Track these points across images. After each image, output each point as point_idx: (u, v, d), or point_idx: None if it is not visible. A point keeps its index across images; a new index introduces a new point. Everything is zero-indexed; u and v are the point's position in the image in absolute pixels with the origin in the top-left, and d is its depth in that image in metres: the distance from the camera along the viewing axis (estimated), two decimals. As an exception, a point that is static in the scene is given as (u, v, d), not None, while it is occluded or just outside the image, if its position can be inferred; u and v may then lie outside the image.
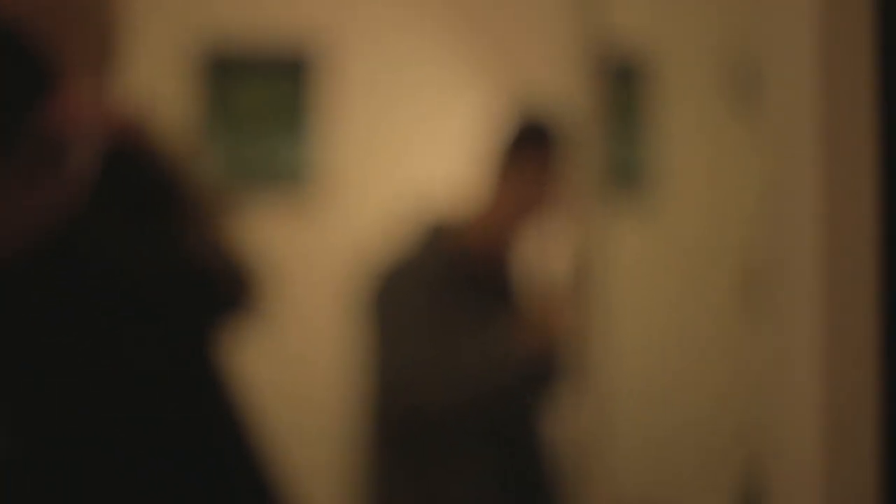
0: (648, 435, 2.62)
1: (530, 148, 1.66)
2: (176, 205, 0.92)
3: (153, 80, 2.69)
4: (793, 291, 0.49)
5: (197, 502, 0.79)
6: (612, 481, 2.07)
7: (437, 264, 1.58)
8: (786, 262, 0.50)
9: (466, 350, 1.53)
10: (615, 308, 2.19)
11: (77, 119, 0.55)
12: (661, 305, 2.67)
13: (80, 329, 0.70)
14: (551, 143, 1.64)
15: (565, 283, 1.63)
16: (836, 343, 0.47)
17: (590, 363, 1.80)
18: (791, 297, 0.50)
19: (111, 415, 0.69)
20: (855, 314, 0.47)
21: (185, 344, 0.88)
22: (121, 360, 0.72)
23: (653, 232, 2.68)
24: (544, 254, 1.72)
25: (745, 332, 2.55)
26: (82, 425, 0.69)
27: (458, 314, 1.56)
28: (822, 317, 0.47)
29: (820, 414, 0.48)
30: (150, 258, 0.86)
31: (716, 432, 2.60)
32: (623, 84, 2.67)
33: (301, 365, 2.65)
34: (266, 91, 2.69)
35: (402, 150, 2.71)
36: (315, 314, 2.64)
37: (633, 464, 2.54)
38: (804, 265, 0.48)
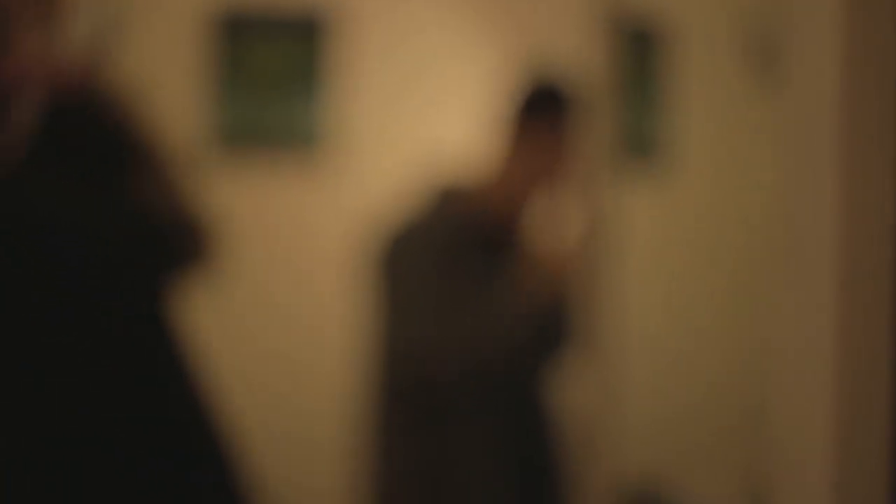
0: (657, 408, 2.62)
1: (543, 113, 1.64)
2: (127, 159, 0.92)
3: (167, 41, 2.68)
4: (808, 271, 0.48)
5: (150, 471, 0.78)
6: (618, 454, 2.08)
7: (448, 228, 1.58)
8: (802, 242, 0.49)
9: (475, 314, 1.52)
10: (626, 277, 2.18)
11: (22, 74, 0.55)
12: (673, 275, 2.66)
13: (18, 286, 0.68)
14: (565, 109, 1.62)
15: (574, 238, 1.62)
16: (850, 325, 0.47)
17: (600, 334, 1.80)
18: (806, 276, 0.49)
19: (58, 380, 0.67)
20: (870, 295, 0.46)
21: (136, 302, 0.87)
22: (65, 320, 0.70)
23: (666, 200, 2.66)
24: (557, 220, 1.71)
25: (759, 305, 2.53)
26: (26, 394, 0.66)
27: (467, 278, 1.56)
28: (838, 299, 0.46)
29: (832, 397, 0.47)
30: (97, 213, 0.85)
31: (727, 407, 2.60)
32: (640, 50, 2.64)
33: (311, 328, 2.66)
34: (280, 53, 2.67)
35: (416, 113, 2.69)
36: (327, 276, 2.64)
37: (639, 437, 2.54)
38: (821, 245, 0.47)
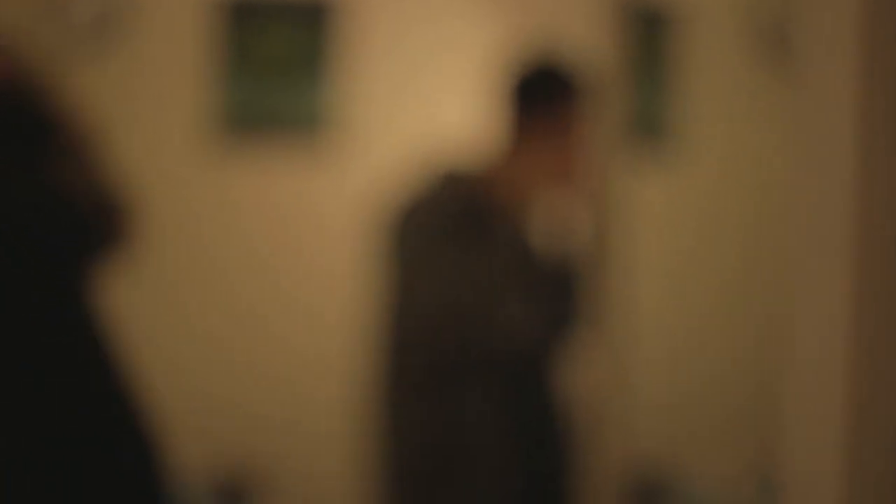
0: (666, 390, 2.63)
1: (546, 96, 1.63)
2: (44, 141, 0.92)
3: (174, 24, 2.67)
4: (822, 255, 0.48)
5: (68, 444, 0.79)
6: (627, 435, 2.09)
7: (456, 205, 1.58)
8: (816, 226, 0.48)
9: (482, 287, 1.52)
10: (636, 259, 2.18)
11: None
12: (683, 258, 2.66)
13: None
14: (569, 92, 1.61)
15: (583, 220, 1.61)
16: (864, 307, 0.46)
17: (610, 315, 1.79)
18: (820, 260, 0.49)
19: None
20: (885, 276, 0.46)
21: (53, 281, 0.87)
22: None
23: (675, 183, 2.66)
24: (566, 202, 1.70)
25: (768, 288, 2.53)
26: None
27: (475, 252, 1.56)
28: (852, 282, 0.46)
29: (844, 379, 0.47)
30: (13, 194, 0.85)
31: (736, 389, 2.60)
32: (650, 34, 2.62)
33: (316, 310, 2.67)
34: (286, 37, 2.66)
35: (421, 97, 2.68)
36: (333, 257, 2.64)
37: (649, 418, 2.55)
38: (835, 229, 0.47)
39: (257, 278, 2.64)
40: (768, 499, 2.41)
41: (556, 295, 1.61)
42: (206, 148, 2.62)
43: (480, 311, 1.52)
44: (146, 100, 2.59)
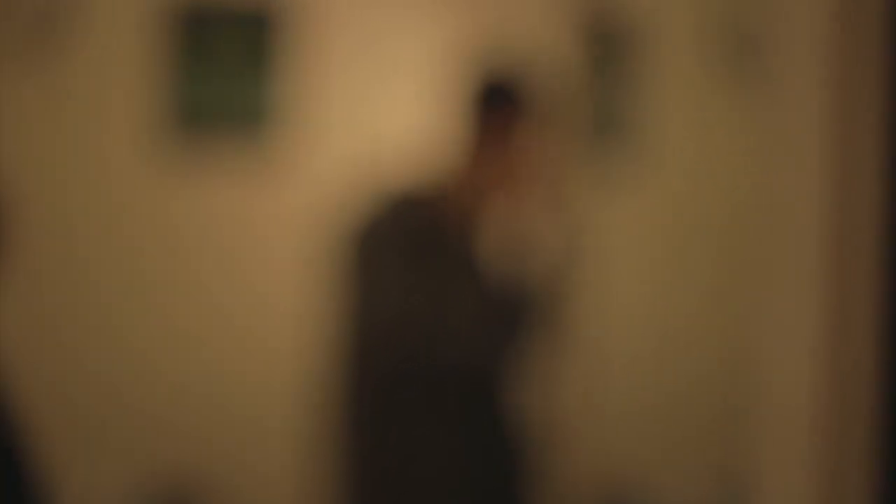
0: (634, 405, 2.63)
1: (500, 106, 1.63)
2: None
3: (125, 28, 2.65)
4: (793, 270, 0.48)
5: None
6: (595, 451, 2.08)
7: (411, 222, 1.57)
8: (787, 240, 0.48)
9: (439, 304, 1.51)
10: (604, 273, 2.19)
11: None
12: (649, 271, 2.67)
13: None
14: (523, 102, 1.60)
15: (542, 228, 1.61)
16: (834, 322, 0.46)
17: (578, 330, 1.80)
18: (791, 276, 0.49)
19: None
20: (854, 290, 0.46)
21: None
22: None
23: (640, 194, 2.67)
24: (525, 219, 1.69)
25: (736, 299, 2.55)
26: None
27: (431, 269, 1.55)
28: (822, 295, 0.46)
29: (815, 395, 0.47)
30: None
31: (703, 404, 2.61)
32: (612, 42, 2.64)
33: (267, 308, 2.65)
34: (234, 38, 2.66)
35: (374, 99, 2.68)
36: (281, 258, 2.62)
37: (615, 434, 2.55)
38: (806, 243, 0.46)
39: (206, 279, 2.62)
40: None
41: (507, 310, 1.60)
42: (154, 147, 2.59)
43: (426, 327, 1.52)
44: (93, 100, 2.57)
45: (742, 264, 2.59)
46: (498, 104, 1.59)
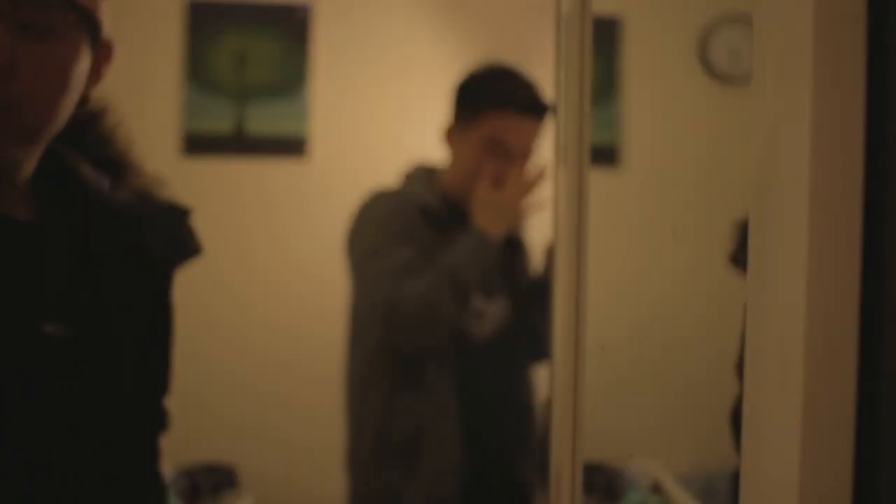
0: (620, 388, 2.65)
1: (493, 102, 1.61)
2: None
3: (141, 39, 2.62)
4: (778, 270, 0.49)
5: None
6: (584, 433, 2.09)
7: (411, 204, 1.56)
8: (773, 241, 0.49)
9: (432, 280, 1.50)
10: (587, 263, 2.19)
11: None
12: (627, 262, 2.68)
13: None
14: (518, 99, 1.59)
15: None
16: (819, 320, 0.47)
17: (565, 313, 1.80)
18: (776, 275, 0.49)
19: None
20: (838, 287, 0.47)
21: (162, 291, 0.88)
22: None
23: (621, 193, 2.69)
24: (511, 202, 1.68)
25: (720, 300, 2.56)
26: None
27: (425, 248, 1.54)
28: (807, 293, 0.46)
29: (799, 389, 0.47)
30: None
31: (692, 391, 2.63)
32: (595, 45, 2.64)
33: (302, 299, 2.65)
34: (244, 47, 2.64)
35: (379, 107, 2.68)
36: (304, 263, 2.62)
37: (601, 417, 2.56)
38: (791, 244, 0.47)
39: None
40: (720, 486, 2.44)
41: (505, 289, 1.60)
42: (169, 158, 2.58)
43: (433, 304, 1.50)
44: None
45: (718, 258, 2.60)
46: (491, 99, 1.58)
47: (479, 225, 1.52)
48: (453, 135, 1.61)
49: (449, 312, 1.48)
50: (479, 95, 1.60)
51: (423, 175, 1.64)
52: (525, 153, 1.57)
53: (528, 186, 1.55)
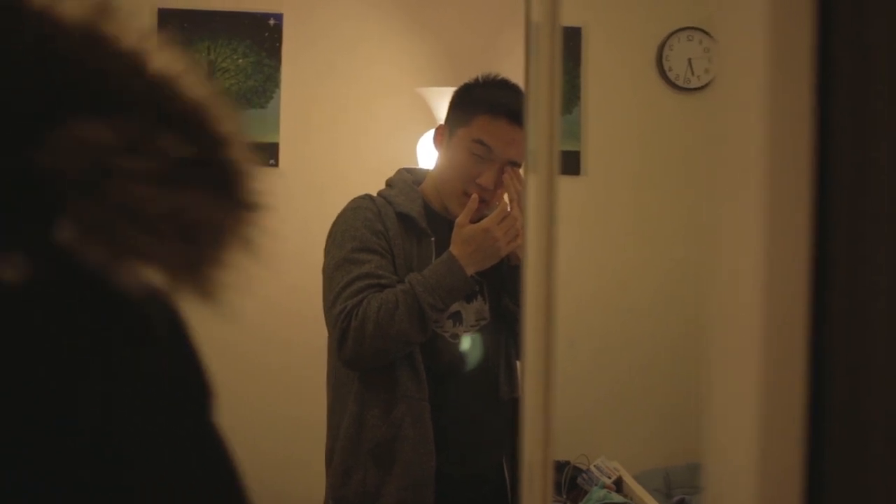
0: (588, 386, 2.67)
1: (475, 111, 1.60)
2: None
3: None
4: (733, 275, 0.51)
5: None
6: (555, 431, 2.10)
7: (397, 210, 1.55)
8: (726, 254, 0.51)
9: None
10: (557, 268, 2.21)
11: None
12: (590, 266, 2.71)
13: None
14: (516, 117, 1.58)
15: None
16: (772, 324, 0.49)
17: (535, 315, 1.80)
18: (732, 280, 0.51)
19: None
20: (789, 290, 0.49)
21: None
22: None
23: (585, 200, 2.71)
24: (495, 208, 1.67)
25: (681, 304, 2.60)
26: None
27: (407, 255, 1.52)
28: (762, 294, 0.48)
29: (755, 386, 0.49)
30: None
31: (657, 389, 2.66)
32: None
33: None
34: (214, 54, 2.62)
35: (345, 115, 2.67)
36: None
37: (570, 414, 2.59)
38: (745, 253, 0.49)
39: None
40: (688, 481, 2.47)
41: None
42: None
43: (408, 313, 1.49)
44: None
45: (682, 258, 2.64)
46: (472, 109, 1.56)
47: (456, 254, 1.51)
48: (442, 136, 1.60)
49: (406, 333, 1.46)
50: (473, 100, 1.58)
51: (406, 180, 1.63)
52: (512, 162, 1.55)
53: (515, 233, 1.53)
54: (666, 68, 2.73)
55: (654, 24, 2.73)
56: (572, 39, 2.72)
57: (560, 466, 2.40)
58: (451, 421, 1.56)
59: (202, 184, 0.55)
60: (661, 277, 2.68)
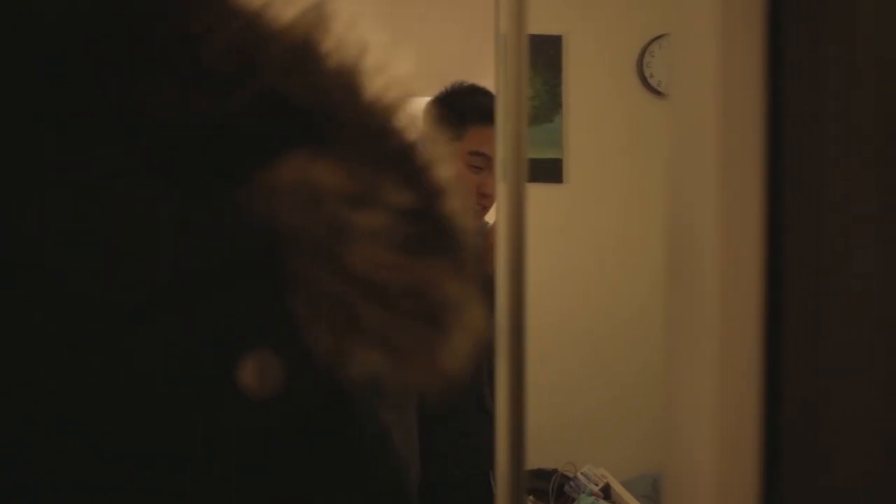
0: (564, 392, 2.67)
1: (485, 126, 1.59)
2: None
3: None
4: (692, 279, 0.50)
5: None
6: (529, 437, 2.10)
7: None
8: (686, 250, 0.51)
9: None
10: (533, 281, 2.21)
11: None
12: (567, 270, 2.71)
13: None
14: (471, 116, 1.58)
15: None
16: (728, 324, 0.49)
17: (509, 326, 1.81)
18: (691, 285, 0.51)
19: None
20: (745, 293, 0.49)
21: None
22: None
23: (569, 207, 2.72)
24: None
25: (658, 306, 2.60)
26: None
27: None
28: (719, 300, 0.48)
29: (714, 389, 0.49)
30: None
31: (631, 394, 2.66)
32: (535, 64, 2.68)
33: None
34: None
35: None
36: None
37: (548, 421, 2.58)
38: (703, 253, 0.49)
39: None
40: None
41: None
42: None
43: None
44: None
45: (654, 262, 2.65)
46: (446, 118, 1.55)
47: None
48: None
49: None
50: (459, 112, 1.57)
51: None
52: None
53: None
54: (647, 75, 2.74)
55: (634, 31, 2.74)
56: (553, 48, 2.73)
57: (547, 474, 2.39)
58: (435, 432, 1.55)
59: (435, 247, 0.40)
60: (646, 284, 2.69)
